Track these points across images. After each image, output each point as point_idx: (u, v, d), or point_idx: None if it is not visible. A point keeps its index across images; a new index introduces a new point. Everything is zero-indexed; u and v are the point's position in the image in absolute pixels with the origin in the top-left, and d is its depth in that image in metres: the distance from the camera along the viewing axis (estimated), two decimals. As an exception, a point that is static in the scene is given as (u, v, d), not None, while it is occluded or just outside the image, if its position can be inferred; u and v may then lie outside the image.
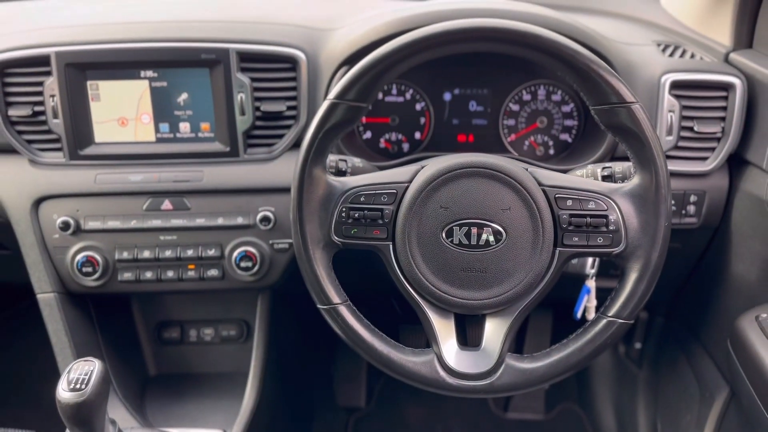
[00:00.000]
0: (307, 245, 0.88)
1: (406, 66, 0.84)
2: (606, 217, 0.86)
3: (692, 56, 1.24)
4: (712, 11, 1.32)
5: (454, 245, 0.86)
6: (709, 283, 1.36)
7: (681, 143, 1.18)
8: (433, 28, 0.81)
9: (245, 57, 1.17)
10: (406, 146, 1.32)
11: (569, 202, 0.87)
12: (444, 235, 0.87)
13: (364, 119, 1.31)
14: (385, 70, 0.83)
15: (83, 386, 0.88)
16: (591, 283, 1.13)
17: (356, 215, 0.88)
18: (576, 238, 0.87)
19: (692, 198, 1.20)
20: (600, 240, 0.86)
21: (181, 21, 1.22)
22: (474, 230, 0.86)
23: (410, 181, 0.89)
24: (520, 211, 0.86)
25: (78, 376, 0.89)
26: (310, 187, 0.87)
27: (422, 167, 0.90)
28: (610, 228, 0.86)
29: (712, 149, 1.19)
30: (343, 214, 0.88)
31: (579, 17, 1.27)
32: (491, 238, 0.86)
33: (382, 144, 1.32)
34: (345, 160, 1.07)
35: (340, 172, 1.06)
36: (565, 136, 1.31)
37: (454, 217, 0.86)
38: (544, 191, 0.87)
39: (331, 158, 1.06)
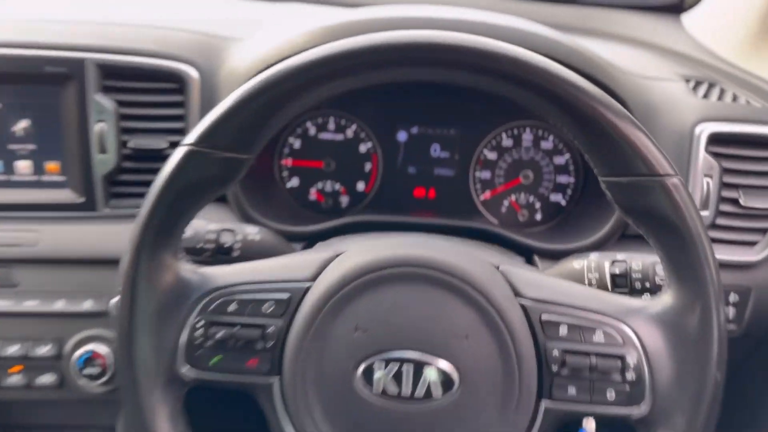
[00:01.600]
0: (137, 382, 0.61)
1: (311, 99, 0.59)
2: (622, 358, 0.61)
3: (734, 99, 1.01)
4: (757, 38, 1.07)
5: (375, 394, 0.61)
6: (743, 411, 1.11)
7: (720, 221, 0.96)
8: (343, 44, 0.58)
9: (109, 72, 0.94)
10: (344, 200, 1.11)
11: (563, 330, 0.62)
12: (360, 374, 0.61)
13: (289, 162, 1.09)
14: (274, 104, 0.58)
15: None
16: (590, 426, 0.84)
17: (221, 334, 0.63)
18: (573, 390, 0.62)
19: (732, 297, 0.98)
20: (610, 395, 0.62)
21: (18, 20, 0.97)
22: (408, 369, 0.60)
23: (313, 280, 0.64)
24: (483, 340, 0.61)
25: None
26: (149, 285, 0.61)
27: (335, 256, 0.66)
28: (627, 377, 0.61)
29: (764, 231, 0.97)
30: (200, 332, 0.63)
31: (578, 39, 1.03)
32: (436, 384, 0.60)
33: (313, 196, 1.11)
34: (232, 231, 0.83)
35: (222, 250, 0.81)
36: (557, 197, 1.10)
37: (377, 347, 0.61)
38: (524, 308, 0.63)
39: (210, 228, 0.82)
